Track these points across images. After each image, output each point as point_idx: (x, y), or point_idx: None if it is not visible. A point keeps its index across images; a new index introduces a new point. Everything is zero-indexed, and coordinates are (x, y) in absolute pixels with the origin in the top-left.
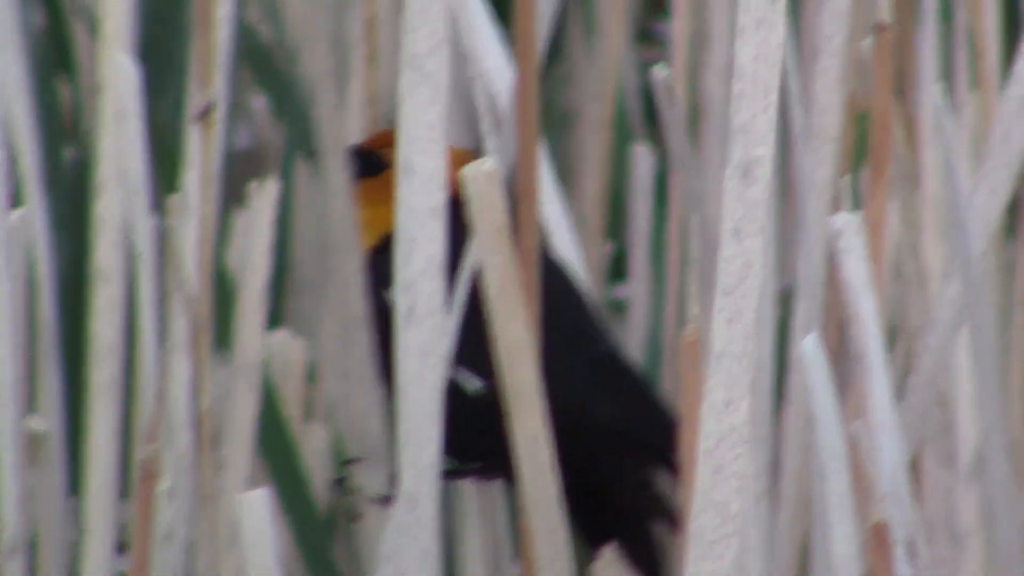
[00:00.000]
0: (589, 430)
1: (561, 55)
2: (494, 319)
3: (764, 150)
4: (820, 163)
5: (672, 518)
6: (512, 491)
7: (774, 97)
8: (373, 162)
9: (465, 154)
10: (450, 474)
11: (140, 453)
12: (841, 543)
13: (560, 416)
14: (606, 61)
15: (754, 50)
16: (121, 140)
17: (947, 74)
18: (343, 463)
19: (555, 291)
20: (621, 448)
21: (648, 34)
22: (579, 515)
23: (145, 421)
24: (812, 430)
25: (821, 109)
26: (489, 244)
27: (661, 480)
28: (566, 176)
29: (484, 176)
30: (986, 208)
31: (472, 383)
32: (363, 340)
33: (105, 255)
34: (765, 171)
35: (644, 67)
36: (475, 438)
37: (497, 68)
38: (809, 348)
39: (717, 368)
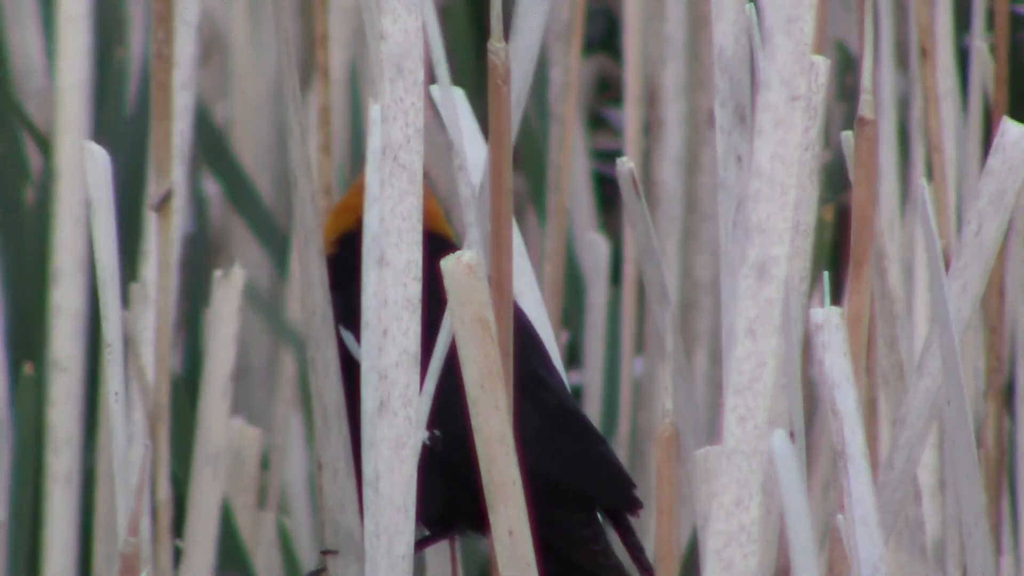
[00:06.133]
0: (536, 484)
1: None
2: (474, 411)
3: (780, 249)
4: (796, 255)
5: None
6: (480, 544)
7: (791, 197)
8: None
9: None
10: (418, 544)
11: (121, 546)
12: None
13: None
14: (560, 149)
15: (772, 150)
16: (93, 229)
17: (903, 167)
18: (320, 553)
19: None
20: (568, 503)
21: (600, 121)
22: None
23: (122, 514)
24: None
25: (796, 202)
26: (469, 336)
27: (608, 536)
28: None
29: (464, 268)
30: (959, 304)
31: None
32: (340, 430)
33: (62, 345)
34: (781, 270)
35: (596, 155)
36: (432, 493)
37: (479, 160)
38: (779, 444)
39: (728, 467)
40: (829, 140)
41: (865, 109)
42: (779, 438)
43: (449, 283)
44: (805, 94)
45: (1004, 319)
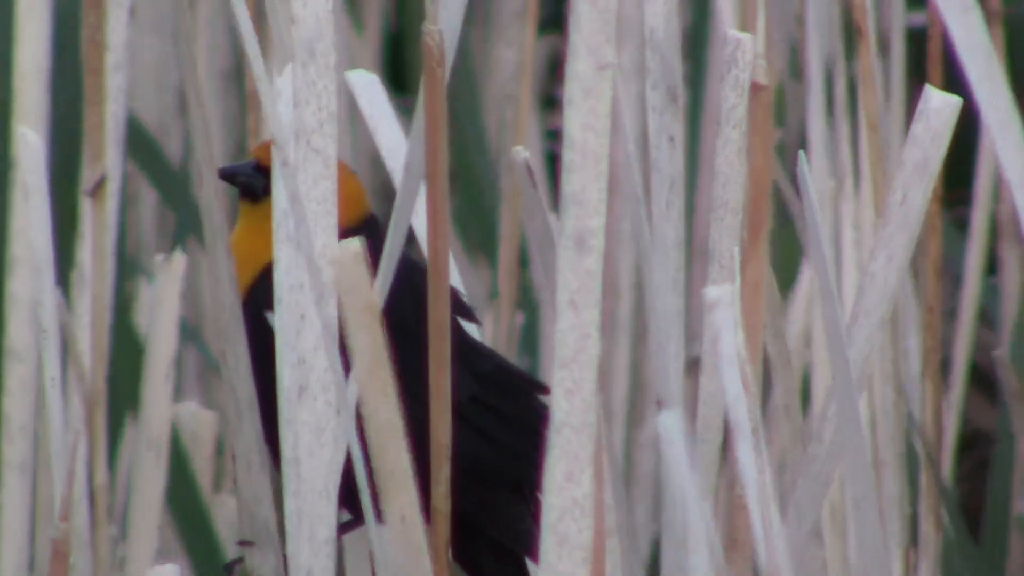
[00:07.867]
0: (462, 463)
1: (464, 122)
2: (363, 399)
3: (597, 221)
4: (725, 233)
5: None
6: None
7: (604, 166)
8: (255, 186)
9: (350, 178)
10: (340, 528)
11: (52, 532)
12: None
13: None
14: (515, 131)
15: (583, 119)
16: (27, 215)
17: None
18: (237, 544)
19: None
20: (494, 481)
21: (552, 101)
22: (453, 547)
23: (57, 500)
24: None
25: (724, 180)
26: (358, 324)
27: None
28: (476, 246)
29: (351, 256)
30: (885, 274)
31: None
32: (253, 421)
33: (18, 334)
34: (599, 241)
35: (550, 135)
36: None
37: (396, 146)
38: (667, 424)
39: (557, 440)
40: (784, 120)
41: (758, 75)
42: (668, 418)
43: (337, 272)
44: (613, 63)
45: (939, 298)
